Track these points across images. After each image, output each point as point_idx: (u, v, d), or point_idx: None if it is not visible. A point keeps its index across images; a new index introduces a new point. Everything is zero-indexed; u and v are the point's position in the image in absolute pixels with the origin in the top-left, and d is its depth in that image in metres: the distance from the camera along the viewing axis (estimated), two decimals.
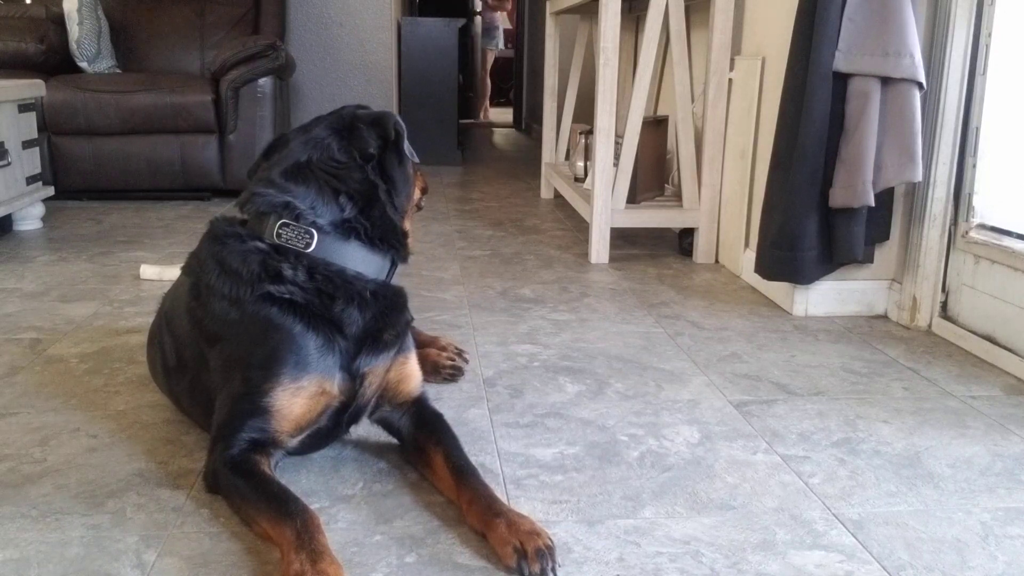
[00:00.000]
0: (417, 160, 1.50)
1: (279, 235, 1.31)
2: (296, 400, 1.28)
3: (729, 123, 2.86)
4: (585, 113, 4.25)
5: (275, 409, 1.27)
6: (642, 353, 2.02)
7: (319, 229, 1.33)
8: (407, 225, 1.44)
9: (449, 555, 1.18)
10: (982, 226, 2.10)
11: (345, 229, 1.35)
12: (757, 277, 2.48)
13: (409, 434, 1.43)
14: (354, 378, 1.34)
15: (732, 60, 2.82)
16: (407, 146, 1.44)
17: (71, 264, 2.79)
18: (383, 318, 1.36)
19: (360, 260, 1.35)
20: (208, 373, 1.37)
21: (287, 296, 1.30)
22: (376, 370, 1.37)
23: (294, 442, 1.34)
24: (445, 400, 1.71)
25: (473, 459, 1.35)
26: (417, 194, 1.54)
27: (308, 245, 1.31)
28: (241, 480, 1.23)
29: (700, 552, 1.19)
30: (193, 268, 1.43)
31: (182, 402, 1.53)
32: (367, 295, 1.34)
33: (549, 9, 4.26)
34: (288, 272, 1.30)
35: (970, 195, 2.12)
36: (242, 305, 1.31)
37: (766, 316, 2.33)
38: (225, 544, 1.19)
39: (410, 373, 1.44)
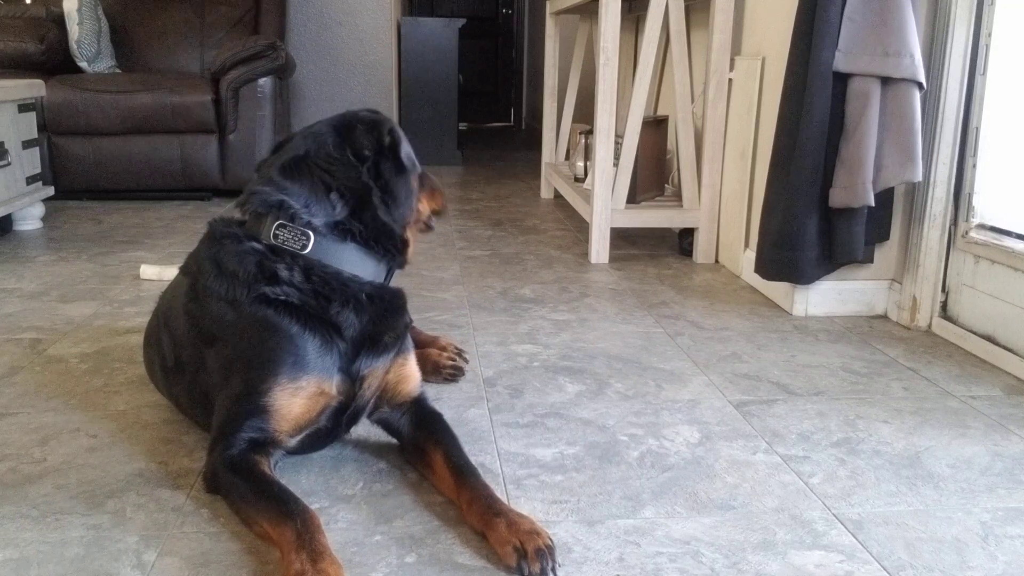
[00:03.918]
0: (419, 169, 1.48)
1: (276, 236, 1.31)
2: (295, 400, 1.28)
3: (729, 123, 2.86)
4: (585, 113, 4.25)
5: (274, 409, 1.27)
6: (642, 353, 2.02)
7: (315, 230, 1.32)
8: (408, 235, 1.43)
9: (449, 555, 1.18)
10: (982, 226, 2.10)
11: (340, 231, 1.35)
12: (757, 277, 2.48)
13: (408, 434, 1.43)
14: (353, 380, 1.34)
15: (732, 60, 2.82)
16: (406, 154, 1.42)
17: (71, 264, 2.79)
18: (381, 321, 1.36)
19: (356, 262, 1.35)
20: (206, 373, 1.37)
21: (283, 298, 1.30)
22: (375, 372, 1.37)
23: (293, 442, 1.34)
24: (445, 400, 1.71)
25: (473, 459, 1.35)
26: (424, 209, 1.51)
27: (304, 247, 1.31)
28: (241, 480, 1.23)
29: (700, 552, 1.19)
30: (191, 268, 1.43)
31: (181, 402, 1.53)
32: (363, 297, 1.34)
33: (549, 9, 4.26)
34: (284, 273, 1.30)
35: (970, 195, 2.12)
36: (239, 306, 1.31)
37: (766, 316, 2.33)
38: (225, 544, 1.19)
39: (409, 374, 1.44)
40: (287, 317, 1.29)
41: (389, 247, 1.39)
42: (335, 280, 1.32)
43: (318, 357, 1.30)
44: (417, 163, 1.47)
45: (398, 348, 1.41)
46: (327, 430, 1.38)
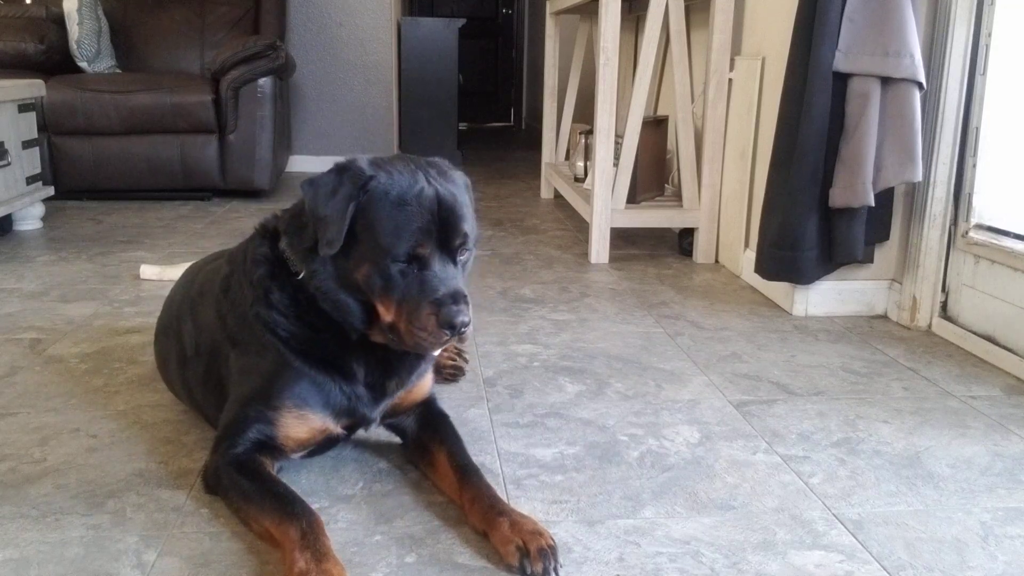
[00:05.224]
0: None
1: (283, 250, 1.31)
2: (301, 425, 1.30)
3: (729, 123, 2.86)
4: (585, 113, 4.24)
5: (280, 423, 1.28)
6: (642, 353, 2.02)
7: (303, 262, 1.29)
8: (375, 334, 1.28)
9: (449, 555, 1.18)
10: (980, 226, 2.10)
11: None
12: (757, 277, 2.48)
13: (413, 433, 1.43)
14: (358, 419, 1.35)
15: (732, 60, 2.82)
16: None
17: (71, 264, 2.79)
18: (388, 368, 1.34)
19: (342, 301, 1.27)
20: (226, 367, 1.37)
21: (271, 325, 1.29)
22: (381, 409, 1.37)
23: (296, 457, 1.36)
24: (445, 400, 1.70)
25: (473, 459, 1.35)
26: (385, 316, 1.22)
27: (298, 273, 1.29)
28: (245, 479, 1.23)
29: (700, 552, 1.19)
30: (235, 258, 1.41)
31: (194, 393, 1.51)
32: (360, 342, 1.30)
33: (549, 9, 4.26)
34: (275, 296, 1.29)
35: (970, 195, 2.12)
36: (249, 321, 1.31)
37: (766, 316, 2.33)
38: (225, 544, 1.19)
39: (420, 390, 1.44)
40: (292, 352, 1.29)
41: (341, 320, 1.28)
42: (324, 317, 1.28)
43: (323, 400, 1.30)
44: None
45: (407, 383, 1.39)
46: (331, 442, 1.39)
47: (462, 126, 6.70)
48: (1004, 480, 1.42)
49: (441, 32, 5.40)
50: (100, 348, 1.98)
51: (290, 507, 1.16)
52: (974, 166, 2.11)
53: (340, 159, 1.27)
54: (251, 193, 4.12)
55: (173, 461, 1.44)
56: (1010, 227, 2.02)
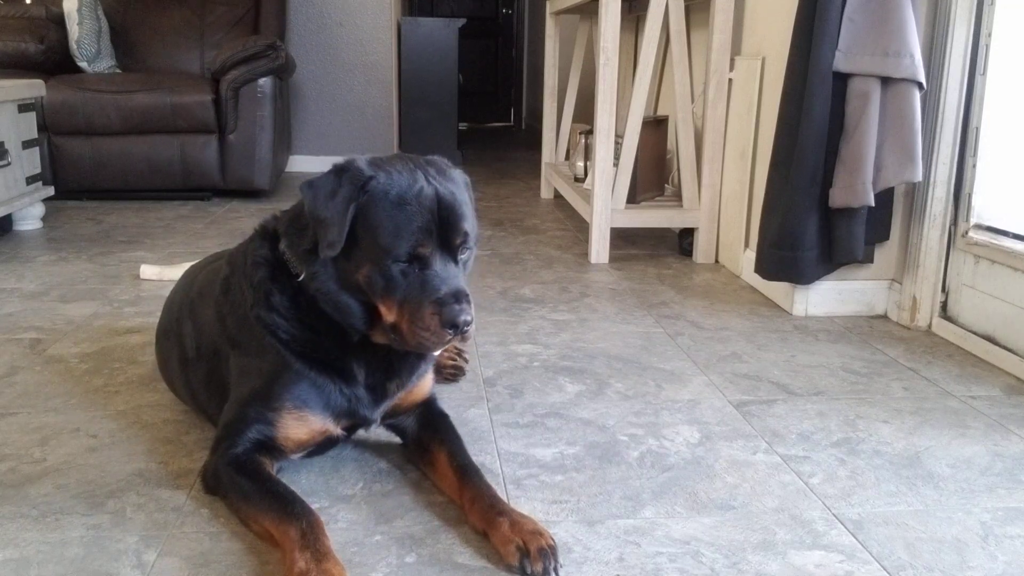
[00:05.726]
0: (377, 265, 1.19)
1: (283, 252, 1.31)
2: (301, 426, 1.30)
3: (729, 123, 2.86)
4: (585, 113, 4.24)
5: (280, 424, 1.28)
6: (642, 353, 2.02)
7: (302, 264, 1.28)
8: (377, 335, 1.28)
9: (449, 555, 1.18)
10: (980, 226, 2.10)
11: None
12: (757, 277, 2.48)
13: (413, 433, 1.43)
14: (358, 420, 1.35)
15: (732, 60, 2.82)
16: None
17: (71, 264, 2.79)
18: (389, 369, 1.34)
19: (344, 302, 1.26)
20: (226, 365, 1.37)
21: (272, 328, 1.29)
22: (381, 410, 1.37)
23: (296, 457, 1.36)
24: (445, 400, 1.70)
25: (473, 459, 1.35)
26: (387, 316, 1.22)
27: (299, 275, 1.28)
28: (244, 479, 1.23)
29: (700, 552, 1.19)
30: (235, 259, 1.41)
31: (197, 394, 1.50)
32: (361, 343, 1.30)
33: (549, 9, 4.26)
34: (276, 299, 1.29)
35: (970, 195, 2.12)
36: (249, 323, 1.31)
37: (766, 316, 2.33)
38: (225, 544, 1.19)
39: (420, 390, 1.44)
40: (293, 354, 1.29)
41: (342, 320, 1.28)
42: (324, 319, 1.28)
43: (323, 401, 1.30)
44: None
45: (407, 383, 1.39)
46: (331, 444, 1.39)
47: (462, 126, 6.70)
48: (1004, 480, 1.42)
49: (441, 32, 5.40)
50: (100, 348, 1.98)
51: (290, 507, 1.16)
52: (974, 166, 2.11)
53: (339, 159, 1.26)
54: (251, 193, 4.12)
55: (173, 461, 1.44)
56: (1010, 227, 2.02)
